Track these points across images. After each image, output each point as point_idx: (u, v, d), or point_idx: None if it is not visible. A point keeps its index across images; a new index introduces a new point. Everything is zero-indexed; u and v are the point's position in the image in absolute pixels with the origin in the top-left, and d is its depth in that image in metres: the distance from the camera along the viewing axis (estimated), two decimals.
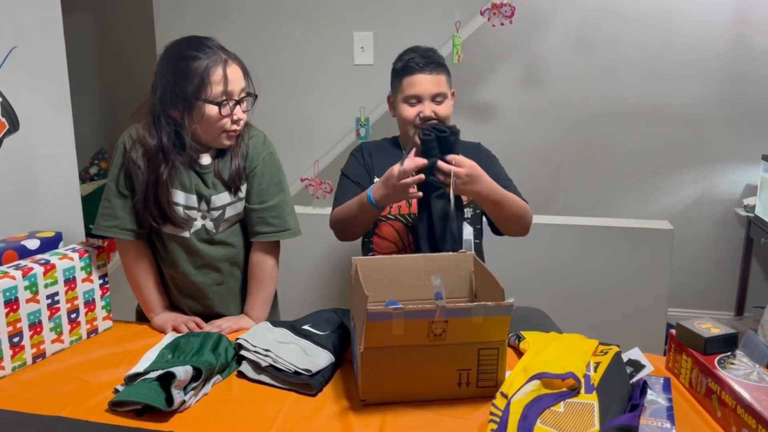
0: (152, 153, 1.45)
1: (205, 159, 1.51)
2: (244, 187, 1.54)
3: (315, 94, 3.02)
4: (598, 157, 3.25)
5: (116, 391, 1.18)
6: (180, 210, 1.49)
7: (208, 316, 1.57)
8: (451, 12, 2.66)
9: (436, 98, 1.69)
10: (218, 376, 1.24)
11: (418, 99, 1.69)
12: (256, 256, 1.58)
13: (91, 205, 2.06)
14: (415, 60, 1.69)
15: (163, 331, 1.48)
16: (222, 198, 1.52)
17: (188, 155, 1.47)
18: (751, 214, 2.99)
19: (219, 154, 1.52)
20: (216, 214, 1.52)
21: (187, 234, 1.52)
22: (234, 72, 1.44)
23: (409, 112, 1.70)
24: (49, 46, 1.74)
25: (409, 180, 1.47)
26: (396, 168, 1.48)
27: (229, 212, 1.54)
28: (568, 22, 2.94)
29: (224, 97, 1.42)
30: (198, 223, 1.52)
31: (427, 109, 1.68)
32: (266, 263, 1.58)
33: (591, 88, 3.17)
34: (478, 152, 1.80)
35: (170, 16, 3.06)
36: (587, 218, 2.56)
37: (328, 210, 2.90)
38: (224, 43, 1.51)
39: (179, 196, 1.49)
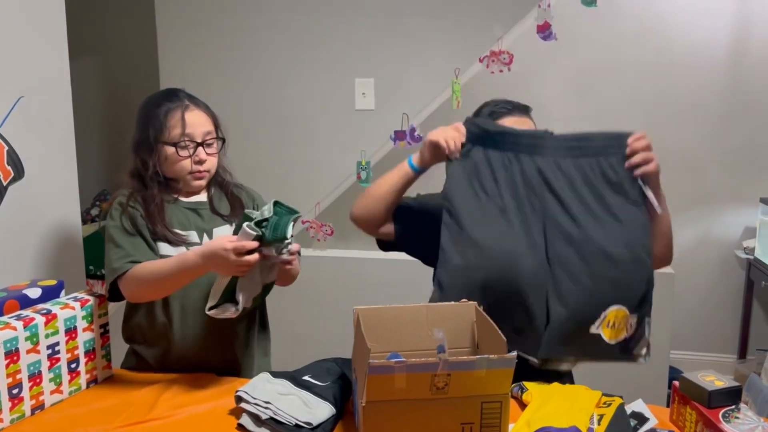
0: (141, 193, 1.51)
1: (200, 197, 1.58)
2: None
3: (317, 137, 3.05)
4: None
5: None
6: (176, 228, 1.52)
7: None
8: (451, 59, 2.71)
9: None
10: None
11: None
12: None
13: (91, 246, 2.06)
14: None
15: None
16: (223, 230, 1.55)
17: (172, 192, 1.54)
18: (751, 257, 2.99)
19: (213, 191, 1.59)
20: None
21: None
22: (195, 116, 1.50)
23: None
24: (56, 96, 1.77)
25: None
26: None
27: None
28: (564, 70, 2.99)
29: (182, 139, 1.48)
30: None
31: None
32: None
33: None
34: None
35: (175, 58, 3.11)
36: None
37: (328, 252, 2.93)
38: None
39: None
